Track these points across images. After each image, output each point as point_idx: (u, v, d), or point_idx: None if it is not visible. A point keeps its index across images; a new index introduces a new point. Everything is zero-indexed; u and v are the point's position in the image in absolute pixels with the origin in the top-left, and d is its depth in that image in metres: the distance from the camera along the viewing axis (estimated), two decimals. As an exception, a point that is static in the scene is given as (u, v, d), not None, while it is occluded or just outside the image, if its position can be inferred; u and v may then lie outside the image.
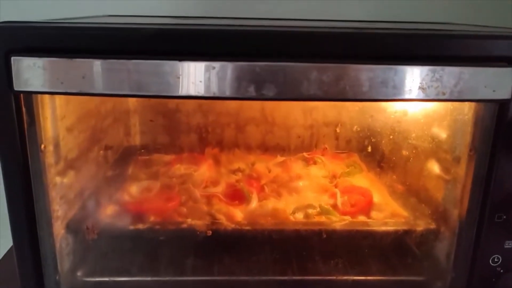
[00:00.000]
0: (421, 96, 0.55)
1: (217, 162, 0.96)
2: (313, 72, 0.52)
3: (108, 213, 0.77)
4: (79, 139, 0.76)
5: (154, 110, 1.05)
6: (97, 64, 0.53)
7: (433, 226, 0.74)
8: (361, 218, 0.78)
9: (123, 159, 1.00)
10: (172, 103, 1.02)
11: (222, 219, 0.75)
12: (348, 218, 0.77)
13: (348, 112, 0.99)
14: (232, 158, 0.98)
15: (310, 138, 1.06)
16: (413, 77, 0.54)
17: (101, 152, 0.88)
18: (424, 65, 0.54)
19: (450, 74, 0.54)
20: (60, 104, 0.66)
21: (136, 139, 1.07)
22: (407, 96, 0.55)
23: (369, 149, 0.95)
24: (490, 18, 1.04)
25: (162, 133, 1.06)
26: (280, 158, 0.98)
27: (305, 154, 0.99)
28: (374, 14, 1.07)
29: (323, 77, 0.52)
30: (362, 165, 0.97)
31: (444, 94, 0.55)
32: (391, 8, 1.07)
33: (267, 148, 1.04)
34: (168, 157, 0.98)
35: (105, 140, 0.91)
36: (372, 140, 0.93)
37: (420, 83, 0.54)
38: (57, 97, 0.65)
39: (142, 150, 1.04)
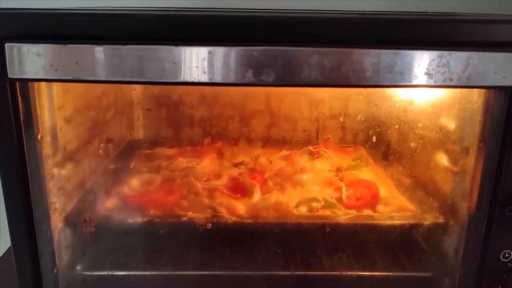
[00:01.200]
0: (428, 82, 0.52)
1: (220, 155, 0.95)
2: (314, 57, 0.50)
3: (108, 206, 0.76)
4: (79, 130, 0.75)
5: (158, 103, 1.04)
6: (91, 50, 0.51)
7: (441, 220, 0.71)
8: (367, 212, 0.76)
9: (126, 152, 0.99)
10: (175, 94, 1.02)
11: (224, 212, 0.73)
12: (353, 212, 0.75)
13: (354, 103, 0.97)
14: (236, 151, 0.97)
15: (316, 131, 1.04)
16: (419, 62, 0.52)
17: (102, 144, 0.87)
18: (430, 50, 0.51)
19: (457, 59, 0.52)
20: (58, 93, 0.65)
21: (140, 133, 1.07)
22: (412, 82, 0.52)
23: (375, 139, 0.93)
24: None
25: (166, 127, 1.05)
26: (285, 152, 0.97)
27: (310, 147, 0.98)
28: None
29: (324, 62, 0.50)
30: (369, 158, 0.95)
31: (451, 80, 0.52)
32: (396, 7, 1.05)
33: (272, 142, 1.03)
34: (171, 151, 0.97)
35: (107, 133, 0.90)
36: (377, 130, 0.91)
37: (426, 68, 0.52)
38: (54, 85, 0.64)
39: (145, 144, 1.03)
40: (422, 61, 0.51)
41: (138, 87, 1.01)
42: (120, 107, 0.99)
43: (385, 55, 0.51)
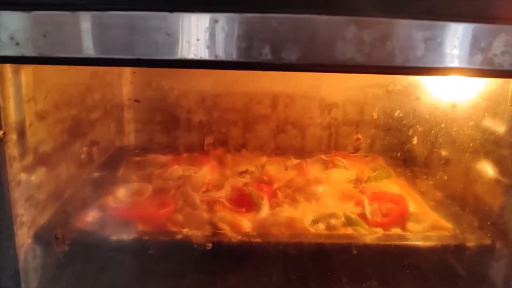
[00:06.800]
0: (491, 66, 0.42)
1: (221, 163, 0.86)
2: (351, 28, 0.39)
3: (88, 221, 0.67)
4: (55, 130, 0.67)
5: (152, 106, 0.97)
6: (62, 18, 0.41)
7: (486, 241, 0.63)
8: (395, 230, 0.67)
9: (114, 159, 0.91)
10: (172, 97, 0.94)
11: (226, 229, 0.65)
12: (379, 230, 0.66)
13: (371, 106, 0.88)
14: (239, 158, 0.88)
15: (328, 139, 0.97)
16: (482, 39, 0.41)
17: (85, 148, 0.76)
18: (496, 24, 0.41)
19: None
20: (27, 82, 0.57)
21: (131, 138, 1.00)
22: (471, 66, 0.42)
23: (396, 148, 0.83)
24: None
25: (160, 132, 0.98)
26: (294, 161, 0.89)
27: (323, 156, 0.89)
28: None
29: (363, 36, 0.39)
30: (389, 169, 0.85)
31: (523, 64, 0.42)
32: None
33: (279, 149, 0.96)
34: (165, 158, 0.89)
35: (92, 135, 0.81)
36: (399, 136, 0.81)
37: (491, 48, 0.41)
38: (22, 72, 0.55)
39: (137, 150, 0.95)
40: (486, 39, 0.41)
41: (129, 86, 0.93)
42: (108, 108, 0.91)
43: (441, 28, 0.40)
